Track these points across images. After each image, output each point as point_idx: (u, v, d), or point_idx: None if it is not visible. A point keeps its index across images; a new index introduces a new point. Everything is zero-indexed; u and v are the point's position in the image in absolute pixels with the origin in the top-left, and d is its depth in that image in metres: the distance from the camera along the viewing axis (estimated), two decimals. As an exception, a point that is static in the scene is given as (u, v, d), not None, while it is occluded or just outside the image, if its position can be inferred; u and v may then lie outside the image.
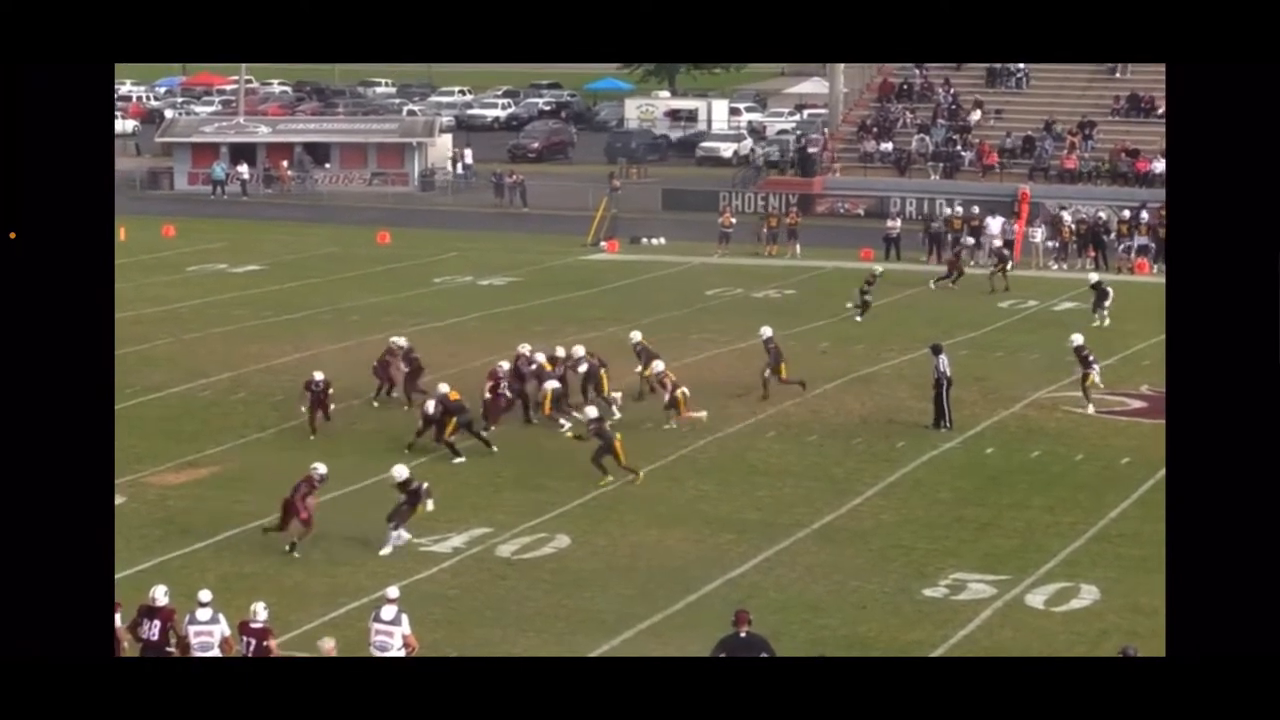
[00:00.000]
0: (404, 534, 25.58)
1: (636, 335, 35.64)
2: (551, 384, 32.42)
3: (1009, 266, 49.35)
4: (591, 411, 29.87)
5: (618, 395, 33.25)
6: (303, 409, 31.99)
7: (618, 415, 32.38)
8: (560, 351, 34.29)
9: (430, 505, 26.05)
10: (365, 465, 29.24)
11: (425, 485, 26.13)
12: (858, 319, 43.52)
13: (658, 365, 33.14)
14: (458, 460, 29.81)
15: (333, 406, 32.10)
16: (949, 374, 32.81)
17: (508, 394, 32.27)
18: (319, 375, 32.12)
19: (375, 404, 33.82)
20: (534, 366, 33.23)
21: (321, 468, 25.90)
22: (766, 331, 35.34)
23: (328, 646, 18.99)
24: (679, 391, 32.12)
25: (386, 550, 25.29)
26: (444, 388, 30.74)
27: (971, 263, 52.34)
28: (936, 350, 33.29)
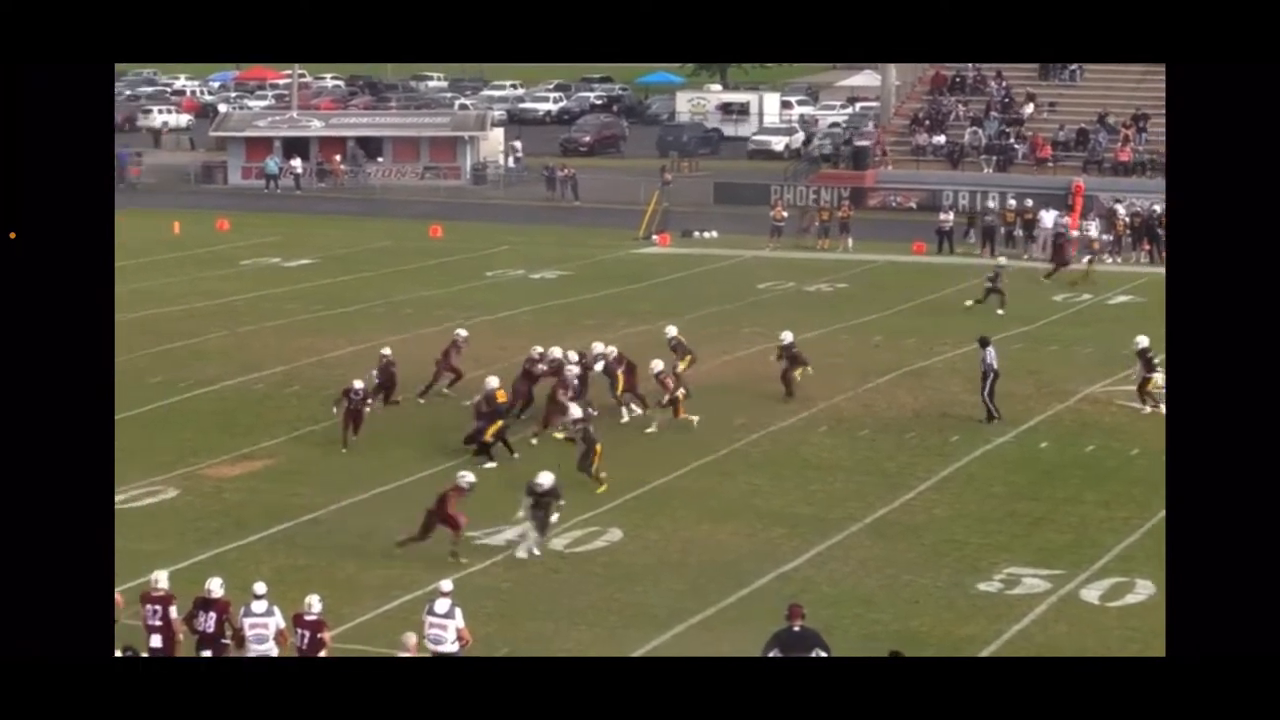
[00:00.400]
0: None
1: (672, 330, 35.27)
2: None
3: (1091, 258, 49.42)
4: (575, 412, 29.47)
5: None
6: (334, 410, 31.19)
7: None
8: (597, 347, 33.80)
9: (562, 502, 25.77)
10: (416, 459, 29.39)
11: (560, 486, 25.79)
12: (967, 306, 43.58)
13: (656, 365, 32.14)
14: (488, 465, 29.04)
15: (366, 414, 31.00)
16: (995, 367, 32.71)
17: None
18: (358, 384, 31.14)
19: (447, 391, 33.74)
20: (545, 367, 32.41)
21: (469, 475, 25.43)
22: (787, 337, 34.89)
23: (411, 643, 18.84)
24: (679, 392, 31.79)
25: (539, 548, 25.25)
26: (493, 382, 30.31)
27: (1025, 256, 52.24)
28: (984, 343, 33.16)
